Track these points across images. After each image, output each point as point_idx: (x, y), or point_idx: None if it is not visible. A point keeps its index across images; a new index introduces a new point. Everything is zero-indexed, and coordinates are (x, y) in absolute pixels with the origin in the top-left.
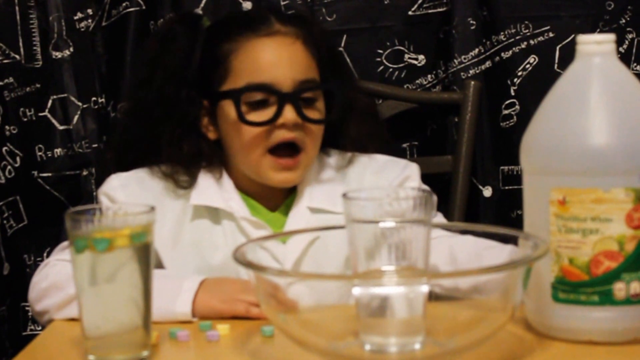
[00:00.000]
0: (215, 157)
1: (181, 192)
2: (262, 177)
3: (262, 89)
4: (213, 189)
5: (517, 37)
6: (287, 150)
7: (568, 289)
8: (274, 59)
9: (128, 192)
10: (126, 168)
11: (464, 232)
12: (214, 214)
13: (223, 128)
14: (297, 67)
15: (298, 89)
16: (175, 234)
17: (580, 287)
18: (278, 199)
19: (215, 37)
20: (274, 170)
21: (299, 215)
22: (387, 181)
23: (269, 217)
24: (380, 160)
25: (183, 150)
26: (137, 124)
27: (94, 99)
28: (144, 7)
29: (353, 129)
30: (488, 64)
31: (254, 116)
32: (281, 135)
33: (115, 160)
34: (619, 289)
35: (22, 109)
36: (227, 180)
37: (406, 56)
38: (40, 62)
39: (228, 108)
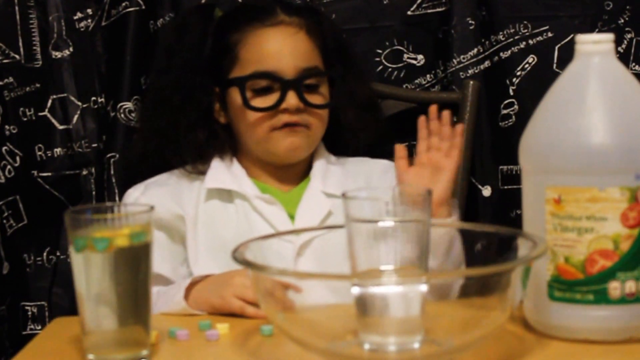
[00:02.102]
0: (227, 142)
1: (196, 180)
2: (270, 151)
3: (266, 77)
4: (225, 173)
5: (516, 37)
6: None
7: (564, 287)
8: (278, 48)
9: (149, 194)
10: (149, 159)
11: (463, 231)
12: (227, 196)
13: (231, 113)
14: (299, 55)
15: (300, 76)
16: (194, 215)
17: (576, 285)
18: (290, 184)
19: (225, 28)
20: (280, 139)
21: (313, 196)
22: (393, 181)
23: (281, 196)
24: (387, 163)
25: (198, 136)
26: (156, 112)
27: (93, 98)
28: (143, 7)
29: (351, 116)
30: (487, 63)
31: (258, 102)
32: (285, 119)
33: (138, 154)
34: (614, 288)
35: (21, 109)
36: (238, 168)
37: (405, 56)
38: (40, 62)
39: (235, 94)
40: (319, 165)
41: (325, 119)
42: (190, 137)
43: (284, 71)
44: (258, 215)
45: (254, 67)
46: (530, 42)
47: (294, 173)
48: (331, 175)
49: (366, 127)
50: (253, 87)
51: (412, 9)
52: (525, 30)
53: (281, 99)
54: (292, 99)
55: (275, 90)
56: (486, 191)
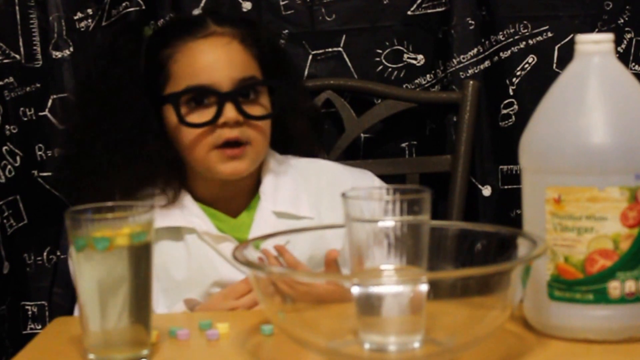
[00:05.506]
0: (172, 172)
1: None
2: (211, 172)
3: (201, 91)
4: (172, 208)
5: (516, 37)
6: (233, 145)
7: (563, 287)
8: (211, 60)
9: None
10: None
11: (462, 231)
12: (176, 232)
13: (169, 133)
14: (234, 66)
15: (237, 87)
16: None
17: (576, 285)
18: (239, 205)
19: (156, 45)
20: (221, 162)
21: (264, 220)
22: (344, 188)
23: (231, 223)
24: (337, 168)
25: (139, 170)
26: (88, 143)
27: None
28: (144, 7)
29: (293, 128)
30: (487, 63)
31: (195, 117)
32: (224, 134)
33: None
34: (614, 287)
35: (22, 109)
36: (185, 195)
37: (405, 56)
38: (41, 62)
39: (170, 113)
40: (268, 180)
41: (267, 132)
42: (129, 171)
43: (219, 84)
44: (210, 248)
45: (187, 82)
46: (530, 42)
47: (241, 189)
48: (282, 187)
49: (309, 138)
50: (188, 103)
51: (412, 9)
52: (525, 30)
53: (219, 113)
54: (230, 112)
55: (211, 104)
56: (486, 191)
